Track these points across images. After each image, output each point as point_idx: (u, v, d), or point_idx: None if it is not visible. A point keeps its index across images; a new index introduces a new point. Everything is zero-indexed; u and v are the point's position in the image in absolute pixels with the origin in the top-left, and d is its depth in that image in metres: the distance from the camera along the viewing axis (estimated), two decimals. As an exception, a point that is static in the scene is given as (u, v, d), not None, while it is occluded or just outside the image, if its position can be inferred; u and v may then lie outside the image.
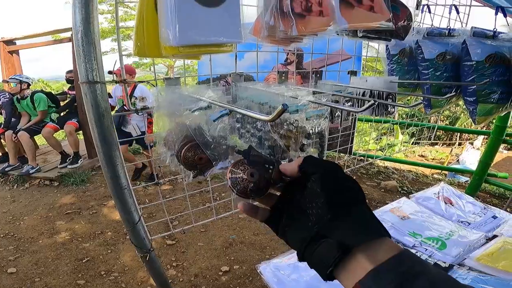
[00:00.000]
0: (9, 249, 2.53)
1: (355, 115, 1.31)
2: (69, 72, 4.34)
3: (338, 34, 0.87)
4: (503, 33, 1.20)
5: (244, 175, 0.45)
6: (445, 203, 1.51)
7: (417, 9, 1.26)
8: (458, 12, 1.26)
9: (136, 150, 4.80)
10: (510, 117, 2.86)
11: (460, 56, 1.19)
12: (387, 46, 1.30)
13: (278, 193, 0.46)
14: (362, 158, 3.33)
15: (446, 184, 1.66)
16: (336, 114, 0.91)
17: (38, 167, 4.02)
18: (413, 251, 1.15)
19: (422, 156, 8.19)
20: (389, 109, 0.90)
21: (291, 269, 1.01)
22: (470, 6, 1.38)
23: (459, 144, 9.84)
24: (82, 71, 0.65)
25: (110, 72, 5.25)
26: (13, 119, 4.25)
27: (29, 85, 4.18)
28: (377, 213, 1.39)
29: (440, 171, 5.39)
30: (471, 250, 1.14)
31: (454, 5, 1.24)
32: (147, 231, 0.94)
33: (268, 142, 0.57)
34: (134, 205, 0.87)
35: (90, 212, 3.14)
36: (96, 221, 2.96)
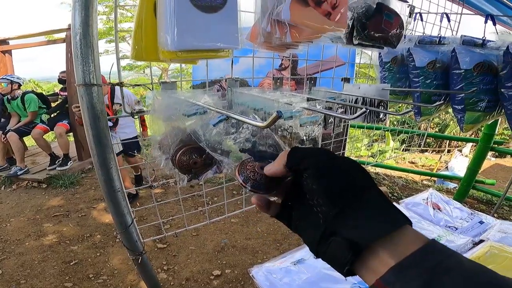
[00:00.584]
0: (-5, 251, 2.47)
1: (348, 122, 1.33)
2: (62, 72, 4.29)
3: (332, 42, 0.89)
4: (492, 41, 1.23)
5: (254, 170, 0.43)
6: (434, 208, 1.54)
7: (409, 17, 1.29)
8: (449, 20, 1.29)
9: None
10: (498, 125, 2.93)
11: (449, 64, 1.22)
12: (380, 53, 1.33)
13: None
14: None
15: (435, 190, 1.69)
16: (329, 120, 0.93)
17: (26, 169, 3.94)
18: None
19: (412, 162, 8.31)
20: (380, 117, 0.92)
21: (283, 273, 1.02)
22: (461, 14, 1.42)
23: (448, 151, 10.03)
24: (79, 74, 0.65)
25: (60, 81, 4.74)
26: (2, 120, 4.17)
27: (20, 85, 4.12)
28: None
29: (429, 177, 5.48)
30: (458, 255, 1.17)
31: (445, 13, 1.28)
32: (140, 234, 0.94)
33: (267, 143, 0.57)
34: (127, 208, 0.86)
35: (79, 214, 3.09)
36: (85, 224, 2.91)
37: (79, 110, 2.19)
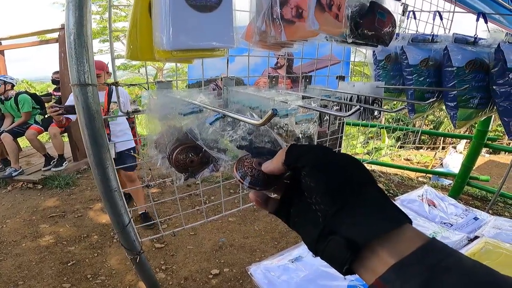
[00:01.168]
0: (-9, 253, 2.46)
1: (343, 119, 1.34)
2: (55, 72, 4.25)
3: (327, 40, 0.89)
4: (483, 39, 1.25)
5: (251, 166, 0.43)
6: (429, 205, 1.56)
7: (403, 15, 1.30)
8: (441, 19, 1.30)
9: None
10: (492, 121, 2.97)
11: (442, 62, 1.23)
12: (374, 51, 1.34)
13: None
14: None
15: (430, 187, 1.71)
16: (325, 118, 0.94)
17: (21, 170, 3.91)
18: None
19: (408, 159, 8.38)
20: (375, 114, 0.93)
21: (282, 270, 1.03)
22: (453, 12, 1.43)
23: (443, 148, 10.14)
24: (73, 73, 0.65)
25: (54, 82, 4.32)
26: (-5, 121, 4.13)
27: (13, 86, 4.08)
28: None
29: (424, 174, 5.53)
30: (454, 251, 1.18)
31: (438, 11, 1.29)
32: (137, 234, 0.94)
33: (263, 141, 0.58)
34: (124, 208, 0.86)
35: (75, 215, 3.07)
36: (82, 224, 2.90)
37: (55, 113, 1.93)
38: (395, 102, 1.61)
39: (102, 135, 0.75)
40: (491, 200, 3.15)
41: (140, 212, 2.97)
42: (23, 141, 4.57)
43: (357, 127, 3.57)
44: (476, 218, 1.45)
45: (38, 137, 4.01)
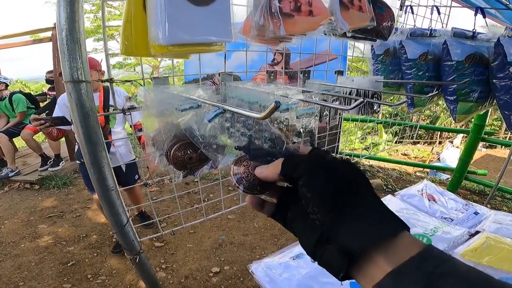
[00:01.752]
0: (-10, 254, 2.44)
1: (342, 114, 1.33)
2: (49, 72, 4.21)
3: (326, 34, 0.88)
4: (482, 33, 1.24)
5: (248, 170, 0.42)
6: (429, 200, 1.55)
7: (400, 10, 1.29)
8: (439, 13, 1.30)
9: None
10: (488, 116, 2.97)
11: (441, 56, 1.23)
12: (372, 46, 1.33)
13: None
14: (348, 157, 3.39)
15: (429, 182, 1.70)
16: (324, 113, 0.93)
17: (17, 170, 3.88)
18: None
19: (405, 154, 8.41)
20: (374, 108, 0.92)
21: (283, 268, 1.02)
22: (450, 7, 1.43)
23: (440, 142, 10.19)
24: (66, 70, 0.63)
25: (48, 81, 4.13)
26: (-10, 121, 4.08)
27: (7, 85, 4.03)
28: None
29: (422, 169, 5.56)
30: (455, 246, 1.17)
31: (435, 6, 1.28)
32: (136, 233, 0.93)
33: (263, 136, 0.56)
34: (122, 207, 0.85)
35: (73, 215, 3.05)
36: (80, 224, 2.88)
37: (42, 126, 1.73)
38: (393, 97, 1.61)
39: (97, 133, 0.73)
40: (489, 194, 3.17)
41: (136, 213, 2.89)
42: (19, 142, 4.53)
43: (354, 122, 3.57)
44: (476, 213, 1.44)
45: (34, 137, 3.97)
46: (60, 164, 4.03)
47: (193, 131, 0.64)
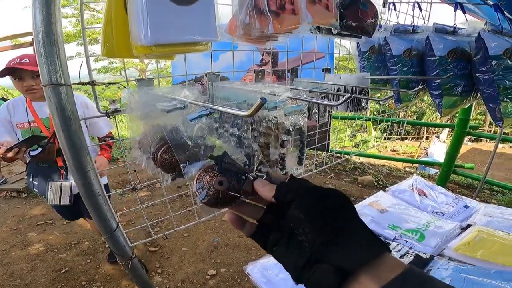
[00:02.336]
0: (-19, 262, 2.38)
1: (331, 112, 1.34)
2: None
3: (312, 32, 0.88)
4: (463, 28, 1.27)
5: (212, 183, 0.42)
6: (419, 194, 1.57)
7: (383, 6, 1.31)
8: (420, 9, 1.32)
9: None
10: (472, 110, 3.04)
11: (424, 52, 1.25)
12: (358, 43, 1.34)
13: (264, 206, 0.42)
14: (338, 155, 3.41)
15: (419, 176, 1.73)
16: (313, 111, 0.92)
17: (3, 179, 3.80)
18: (395, 243, 1.18)
19: (394, 150, 8.56)
20: (362, 105, 0.93)
21: (279, 268, 1.01)
22: (431, 3, 1.45)
23: (427, 137, 10.40)
24: (44, 73, 0.61)
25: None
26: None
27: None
28: (357, 207, 1.42)
29: (411, 164, 5.66)
30: (448, 240, 1.18)
31: (417, 2, 1.30)
32: (127, 238, 0.90)
33: (246, 149, 0.56)
34: (111, 212, 0.82)
35: (63, 222, 2.98)
36: (71, 231, 2.83)
37: (18, 155, 1.52)
38: (379, 93, 1.62)
39: (80, 137, 0.71)
40: (477, 187, 3.24)
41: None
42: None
43: (343, 120, 3.60)
44: (466, 206, 1.46)
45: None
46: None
47: (180, 132, 0.62)
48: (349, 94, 0.39)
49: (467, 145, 9.12)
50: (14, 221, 3.05)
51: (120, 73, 13.46)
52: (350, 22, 0.86)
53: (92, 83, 0.66)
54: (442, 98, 1.24)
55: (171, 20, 0.61)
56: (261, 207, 0.42)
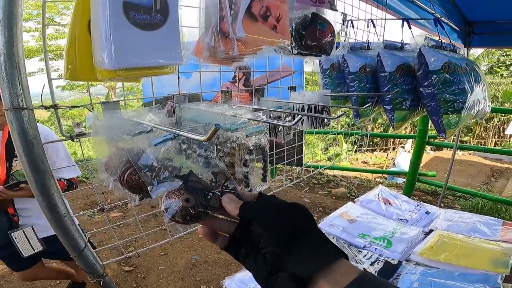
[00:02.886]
0: None
1: (301, 129, 1.39)
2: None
3: (276, 51, 0.93)
4: (408, 44, 1.37)
5: (178, 200, 0.44)
6: (385, 203, 1.65)
7: (343, 24, 1.39)
8: (374, 26, 1.41)
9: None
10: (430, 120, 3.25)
11: (376, 68, 1.32)
12: (320, 61, 1.41)
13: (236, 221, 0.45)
14: (312, 169, 3.49)
15: (383, 186, 1.82)
16: (279, 129, 0.97)
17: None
18: (365, 251, 1.22)
19: (365, 162, 8.87)
20: (325, 121, 0.98)
21: (255, 282, 1.01)
22: (385, 19, 1.56)
23: (393, 148, 10.92)
24: (6, 97, 0.60)
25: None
26: None
27: None
28: (329, 219, 1.47)
29: (380, 175, 5.89)
30: (413, 245, 1.25)
31: (371, 19, 1.40)
32: (97, 256, 0.88)
33: (213, 168, 0.58)
34: (78, 231, 0.81)
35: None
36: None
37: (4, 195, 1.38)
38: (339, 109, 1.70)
39: (43, 161, 0.69)
40: (440, 193, 3.43)
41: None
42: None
43: (316, 135, 3.70)
44: (427, 212, 1.55)
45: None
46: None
47: (147, 155, 0.63)
48: (300, 116, 0.43)
49: (429, 153, 9.67)
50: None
51: (87, 90, 13.00)
52: (309, 42, 0.91)
53: (55, 106, 0.65)
54: (394, 112, 1.31)
55: (135, 45, 0.62)
56: (233, 222, 0.44)
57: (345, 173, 4.94)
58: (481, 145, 11.86)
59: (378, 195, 1.72)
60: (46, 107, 0.61)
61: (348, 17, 1.43)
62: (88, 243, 0.85)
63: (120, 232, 2.95)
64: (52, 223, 0.77)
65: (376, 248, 1.24)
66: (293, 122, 0.42)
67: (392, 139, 11.54)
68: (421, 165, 3.53)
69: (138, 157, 0.62)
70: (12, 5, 0.59)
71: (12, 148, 1.44)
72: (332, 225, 1.41)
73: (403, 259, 1.18)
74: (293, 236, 0.36)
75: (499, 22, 2.30)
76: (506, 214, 3.24)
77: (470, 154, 9.61)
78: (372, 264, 1.16)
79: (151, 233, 2.69)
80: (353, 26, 1.46)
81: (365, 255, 1.21)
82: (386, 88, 1.26)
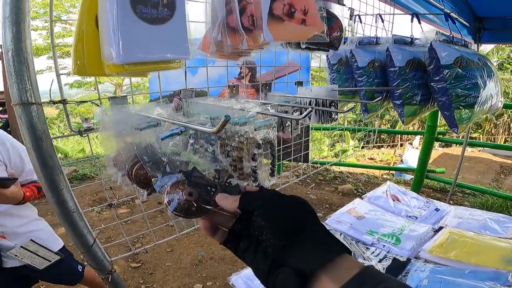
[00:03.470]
0: None
1: (305, 124, 1.38)
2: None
3: (283, 47, 0.92)
4: (418, 39, 1.35)
5: (182, 194, 0.45)
6: (393, 200, 1.63)
7: (350, 19, 1.38)
8: (383, 21, 1.39)
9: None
10: (439, 116, 3.20)
11: (385, 63, 1.30)
12: (327, 56, 1.40)
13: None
14: (318, 165, 3.48)
15: (392, 182, 1.80)
16: (287, 124, 0.96)
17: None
18: (373, 248, 1.21)
19: (371, 158, 8.81)
20: (332, 116, 0.97)
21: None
22: (393, 14, 1.54)
23: (401, 145, 10.81)
24: (14, 92, 0.61)
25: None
26: None
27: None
28: (336, 215, 1.46)
29: (388, 171, 5.84)
30: (422, 242, 1.23)
31: (379, 14, 1.38)
32: (105, 253, 0.89)
33: (221, 163, 0.58)
34: (86, 227, 0.82)
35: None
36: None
37: None
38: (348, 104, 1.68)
39: (52, 157, 0.70)
40: (449, 190, 3.38)
41: None
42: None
43: (322, 131, 3.68)
44: (437, 209, 1.52)
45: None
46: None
47: (155, 150, 0.63)
48: (310, 108, 0.42)
49: (438, 150, 9.55)
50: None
51: (95, 88, 13.13)
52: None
53: (63, 101, 0.66)
54: (404, 108, 1.29)
55: (143, 39, 0.62)
56: (232, 217, 0.44)
57: (351, 169, 4.90)
58: (490, 141, 11.67)
59: (386, 191, 1.70)
60: (54, 102, 0.62)
61: (356, 12, 1.41)
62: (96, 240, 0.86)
63: (128, 228, 2.98)
64: (61, 219, 0.78)
65: (384, 245, 1.23)
66: (303, 115, 0.41)
67: (399, 136, 11.41)
68: (429, 161, 3.48)
69: (145, 151, 0.62)
70: (19, 1, 0.59)
71: None
72: (340, 221, 1.40)
73: (412, 256, 1.16)
74: (295, 230, 0.35)
75: (510, 18, 2.26)
76: (516, 211, 3.19)
77: (479, 150, 9.46)
78: (380, 261, 1.15)
79: (158, 229, 2.72)
80: (360, 21, 1.44)
81: (373, 252, 1.20)
82: (395, 83, 1.25)
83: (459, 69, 1.15)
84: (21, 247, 1.31)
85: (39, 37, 11.87)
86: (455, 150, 9.55)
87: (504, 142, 12.17)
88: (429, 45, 1.20)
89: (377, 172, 5.22)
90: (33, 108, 0.61)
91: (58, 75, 0.67)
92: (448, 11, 1.64)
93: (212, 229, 0.45)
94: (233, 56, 0.93)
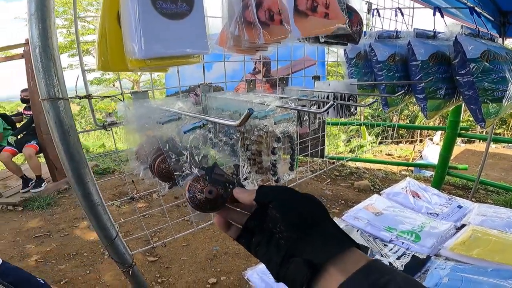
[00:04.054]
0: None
1: (322, 118, 1.37)
2: (24, 90, 4.07)
3: (300, 41, 0.91)
4: (442, 33, 1.31)
5: (202, 192, 0.47)
6: (413, 196, 1.58)
7: (368, 13, 1.35)
8: (402, 15, 1.36)
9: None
10: (462, 111, 3.09)
11: (407, 57, 1.28)
12: (345, 50, 1.38)
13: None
14: (334, 160, 3.44)
15: (412, 179, 1.75)
16: (304, 118, 0.95)
17: (-2, 193, 3.72)
18: (391, 245, 1.19)
19: (389, 154, 8.60)
20: (351, 110, 0.96)
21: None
22: (413, 8, 1.50)
23: (420, 140, 10.49)
24: (42, 88, 0.63)
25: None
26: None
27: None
28: (353, 211, 1.44)
29: (406, 167, 5.69)
30: (443, 240, 1.19)
31: (398, 8, 1.34)
32: (127, 246, 0.92)
33: (236, 159, 0.58)
34: (110, 221, 0.84)
35: (61, 234, 2.97)
36: (69, 243, 2.81)
37: None
38: (367, 98, 1.65)
39: (79, 150, 0.73)
40: (472, 188, 3.27)
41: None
42: (-3, 165, 4.37)
43: (338, 126, 3.63)
44: (460, 207, 1.47)
45: (12, 159, 3.83)
46: (42, 185, 3.90)
47: (175, 143, 0.64)
48: (332, 101, 0.42)
49: (460, 146, 9.20)
50: (11, 233, 3.03)
51: (113, 84, 13.45)
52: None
53: (88, 96, 0.68)
54: (427, 102, 1.27)
55: (163, 34, 0.64)
56: (246, 214, 0.46)
57: (368, 165, 4.81)
58: (516, 137, 11.12)
59: (406, 187, 1.65)
60: (80, 97, 0.64)
61: (374, 6, 1.39)
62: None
63: (146, 222, 3.07)
64: (87, 211, 0.81)
65: (403, 242, 1.20)
66: (324, 108, 0.41)
67: (418, 131, 11.08)
68: (451, 158, 3.37)
69: (168, 144, 0.63)
70: (44, -2, 0.61)
71: None
72: (357, 217, 1.38)
73: (432, 254, 1.13)
74: (308, 224, 0.37)
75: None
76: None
77: (504, 147, 9.05)
78: (398, 258, 1.12)
79: (175, 223, 2.79)
80: (379, 15, 1.41)
81: (391, 249, 1.17)
82: (418, 77, 1.22)
83: (486, 63, 1.12)
84: None
85: (60, 35, 12.22)
86: (478, 146, 9.17)
87: (531, 138, 11.57)
88: (454, 38, 1.17)
89: (395, 168, 5.10)
90: (60, 103, 0.63)
91: (83, 71, 0.69)
92: (471, 5, 1.57)
93: (226, 224, 0.47)
94: (251, 51, 0.93)
